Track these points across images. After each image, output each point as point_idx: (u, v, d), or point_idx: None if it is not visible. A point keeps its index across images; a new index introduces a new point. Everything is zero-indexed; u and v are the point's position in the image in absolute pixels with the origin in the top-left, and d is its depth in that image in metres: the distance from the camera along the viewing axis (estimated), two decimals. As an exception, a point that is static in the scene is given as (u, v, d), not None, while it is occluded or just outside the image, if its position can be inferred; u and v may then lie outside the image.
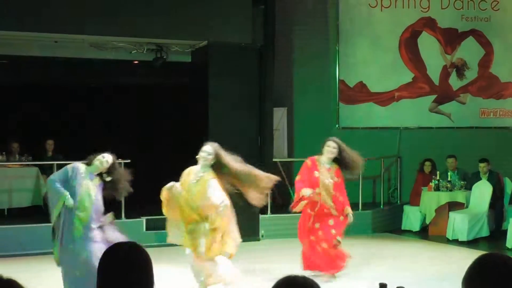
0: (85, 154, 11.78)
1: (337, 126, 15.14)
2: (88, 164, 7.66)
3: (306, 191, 8.97)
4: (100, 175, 7.70)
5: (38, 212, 12.66)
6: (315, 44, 15.03)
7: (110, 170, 7.72)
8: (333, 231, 9.03)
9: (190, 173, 8.10)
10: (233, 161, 8.13)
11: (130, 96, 15.18)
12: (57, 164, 12.50)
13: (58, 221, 7.53)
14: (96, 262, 6.91)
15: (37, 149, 13.66)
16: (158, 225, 12.47)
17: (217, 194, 7.83)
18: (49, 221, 11.72)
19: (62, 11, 11.59)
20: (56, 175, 7.77)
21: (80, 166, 7.64)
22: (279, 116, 14.47)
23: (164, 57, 13.21)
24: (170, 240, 8.28)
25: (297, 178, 9.34)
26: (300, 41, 14.94)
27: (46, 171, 13.13)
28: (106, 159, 7.67)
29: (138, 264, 2.78)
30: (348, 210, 9.22)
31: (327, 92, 15.13)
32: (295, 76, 15.02)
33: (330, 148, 9.18)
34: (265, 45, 12.99)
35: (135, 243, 2.89)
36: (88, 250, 7.32)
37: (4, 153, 12.97)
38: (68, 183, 7.50)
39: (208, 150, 8.08)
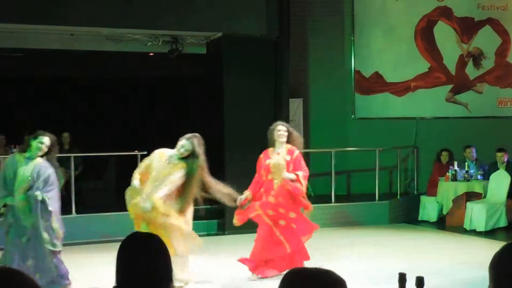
0: (101, 145, 11.84)
1: (353, 116, 15.11)
2: (25, 150, 7.79)
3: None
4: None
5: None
6: (330, 34, 14.99)
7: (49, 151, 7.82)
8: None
9: (163, 155, 8.09)
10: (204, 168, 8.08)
11: (145, 87, 15.22)
12: (74, 156, 12.58)
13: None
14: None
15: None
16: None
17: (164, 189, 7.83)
18: (66, 213, 11.82)
19: (78, 3, 11.62)
20: None
21: (16, 156, 7.84)
22: (295, 107, 14.45)
23: (179, 49, 13.21)
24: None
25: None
26: (315, 32, 14.91)
27: (64, 163, 13.18)
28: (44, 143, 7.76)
29: (156, 251, 2.81)
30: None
31: (342, 82, 15.10)
32: (311, 67, 14.99)
33: (281, 132, 8.81)
34: (280, 36, 12.95)
35: (151, 233, 2.93)
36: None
37: (20, 145, 13.01)
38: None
39: (187, 144, 8.02)
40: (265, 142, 11.68)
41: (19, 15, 11.32)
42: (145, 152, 11.52)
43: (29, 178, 7.59)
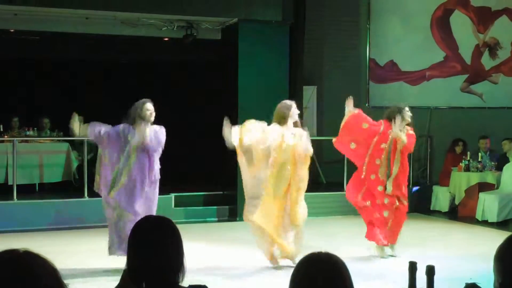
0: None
1: (366, 105, 15.05)
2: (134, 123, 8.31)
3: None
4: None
5: (68, 187, 12.78)
6: (346, 22, 14.92)
7: None
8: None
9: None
10: None
11: (160, 72, 15.21)
12: (87, 140, 12.60)
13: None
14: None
15: (67, 124, 13.73)
16: (186, 201, 12.56)
17: None
18: (79, 196, 11.87)
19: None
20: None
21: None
22: (309, 94, 14.43)
23: (194, 34, 13.20)
24: None
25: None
26: (331, 19, 14.84)
27: (76, 147, 13.24)
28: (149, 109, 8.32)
29: (169, 232, 2.84)
30: None
31: (357, 70, 15.04)
32: (326, 54, 14.94)
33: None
34: (296, 22, 12.92)
35: (164, 216, 2.94)
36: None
37: (35, 128, 13.09)
38: (124, 136, 8.29)
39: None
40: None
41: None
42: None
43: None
